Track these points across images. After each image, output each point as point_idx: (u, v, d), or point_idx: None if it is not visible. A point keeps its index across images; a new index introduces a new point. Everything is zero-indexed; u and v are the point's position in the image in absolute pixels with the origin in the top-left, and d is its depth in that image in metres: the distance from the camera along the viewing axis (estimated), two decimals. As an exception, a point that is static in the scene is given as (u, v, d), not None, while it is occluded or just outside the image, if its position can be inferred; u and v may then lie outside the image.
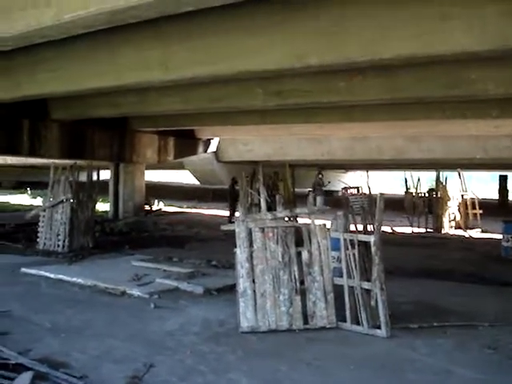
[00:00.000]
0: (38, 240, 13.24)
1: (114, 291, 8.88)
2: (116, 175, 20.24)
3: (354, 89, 10.42)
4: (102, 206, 22.04)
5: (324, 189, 27.37)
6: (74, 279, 9.54)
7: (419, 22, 7.01)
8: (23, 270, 10.29)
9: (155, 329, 6.97)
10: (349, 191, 27.36)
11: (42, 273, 10.04)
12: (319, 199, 23.05)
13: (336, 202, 21.75)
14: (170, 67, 9.14)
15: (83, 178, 13.72)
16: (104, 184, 18.06)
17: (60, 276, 9.77)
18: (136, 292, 8.76)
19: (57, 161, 14.53)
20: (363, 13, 7.27)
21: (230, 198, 20.52)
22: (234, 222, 7.61)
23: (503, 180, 35.60)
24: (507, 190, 35.66)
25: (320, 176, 27.60)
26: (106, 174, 21.95)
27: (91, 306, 8.12)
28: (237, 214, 19.67)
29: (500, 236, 14.09)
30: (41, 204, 16.67)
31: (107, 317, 7.48)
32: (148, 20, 7.79)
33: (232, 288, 8.08)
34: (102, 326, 7.08)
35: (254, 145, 25.86)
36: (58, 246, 12.89)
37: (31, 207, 19.64)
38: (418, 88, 10.11)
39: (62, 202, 13.04)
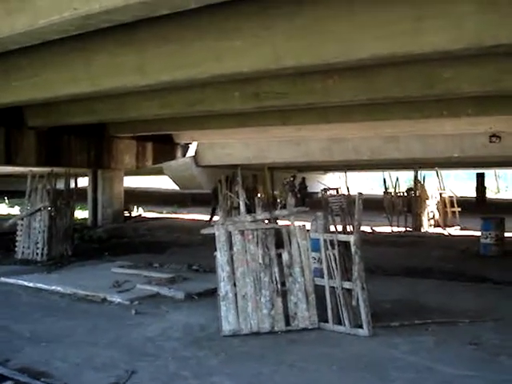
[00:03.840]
0: (16, 249, 13.08)
1: (94, 298, 8.81)
2: (94, 182, 20.12)
3: (331, 90, 10.46)
4: (81, 214, 21.88)
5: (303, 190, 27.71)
6: (54, 287, 9.44)
7: (396, 21, 7.05)
8: (1, 279, 10.17)
9: (136, 335, 6.92)
10: (328, 192, 27.45)
11: (21, 282, 9.92)
12: (291, 200, 23.08)
13: (316, 203, 21.77)
14: (147, 72, 9.11)
15: (61, 185, 13.60)
16: (82, 191, 17.94)
17: (39, 285, 9.67)
18: (116, 299, 8.69)
19: (34, 169, 14.38)
20: (338, 13, 7.30)
21: (213, 202, 20.51)
22: (213, 225, 7.58)
23: (480, 178, 35.94)
24: (484, 188, 36.01)
25: (291, 179, 28.00)
26: (84, 181, 21.84)
27: (71, 313, 8.04)
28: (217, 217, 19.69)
29: (478, 233, 14.20)
30: (18, 213, 16.49)
31: (88, 324, 7.41)
32: (123, 24, 7.75)
33: (213, 292, 8.04)
34: (83, 334, 7.01)
35: (233, 148, 25.85)
36: (37, 254, 12.74)
37: (9, 216, 19.44)
38: (395, 88, 10.17)
39: (39, 210, 12.91)
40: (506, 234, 13.99)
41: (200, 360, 6.03)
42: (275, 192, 25.31)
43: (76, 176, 14.04)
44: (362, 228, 7.35)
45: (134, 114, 14.25)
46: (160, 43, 8.64)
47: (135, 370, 5.63)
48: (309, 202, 24.88)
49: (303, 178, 30.76)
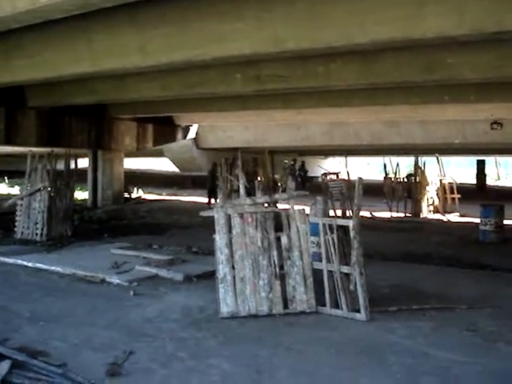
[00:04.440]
0: (15, 229, 13.09)
1: (93, 279, 8.83)
2: (94, 163, 20.10)
3: (332, 74, 10.42)
4: (81, 195, 21.87)
5: (302, 174, 27.84)
6: (53, 268, 9.46)
7: (396, 6, 7.01)
8: (1, 259, 10.19)
9: (135, 316, 6.94)
10: (328, 177, 27.52)
11: (20, 262, 9.95)
12: (292, 184, 23.20)
13: (316, 187, 21.78)
14: (148, 52, 9.06)
15: (61, 166, 13.58)
16: (82, 172, 17.93)
17: (38, 265, 9.69)
18: (115, 280, 8.71)
19: (34, 149, 14.35)
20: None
21: (209, 183, 20.57)
22: (213, 208, 7.59)
23: (481, 165, 35.93)
24: (485, 175, 36.01)
25: (292, 163, 28.16)
26: (84, 162, 21.81)
27: (70, 294, 8.07)
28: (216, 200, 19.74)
29: (478, 220, 14.21)
30: (18, 192, 16.50)
31: (86, 305, 7.44)
32: (124, 4, 7.71)
33: (212, 274, 8.06)
34: (81, 314, 7.04)
35: (234, 131, 25.81)
36: (36, 234, 12.77)
37: (9, 196, 19.44)
38: (397, 73, 10.12)
39: (39, 190, 12.91)
40: (506, 222, 14.00)
41: (198, 341, 6.06)
42: (275, 176, 25.30)
43: (76, 157, 14.01)
44: (362, 213, 7.35)
45: (135, 96, 14.21)
46: (160, 24, 8.59)
47: (133, 351, 5.66)
48: (309, 186, 24.86)
49: (303, 162, 30.80)
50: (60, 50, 10.02)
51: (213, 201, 20.40)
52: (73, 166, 13.79)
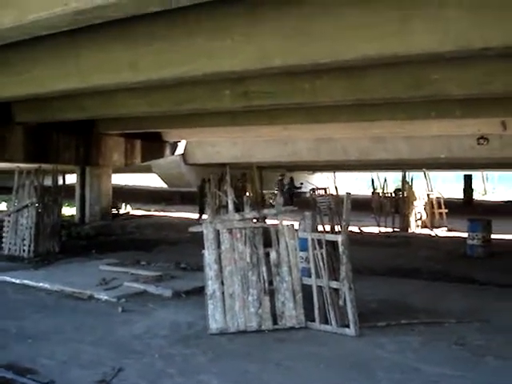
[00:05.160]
0: (2, 245, 13.01)
1: (81, 296, 8.79)
2: (82, 179, 20.01)
3: (319, 90, 10.46)
4: (69, 211, 21.78)
5: (292, 190, 27.96)
6: (41, 284, 9.41)
7: (383, 23, 7.06)
8: (-12, 275, 10.12)
9: (123, 332, 6.92)
10: (316, 192, 27.58)
11: (7, 278, 9.89)
12: (280, 200, 23.35)
13: (304, 202, 21.82)
14: (138, 69, 9.07)
15: (49, 182, 13.54)
16: (70, 188, 17.85)
17: (26, 281, 9.63)
18: (103, 296, 8.68)
19: (21, 165, 14.32)
20: (327, 14, 7.30)
21: (199, 199, 20.64)
22: (199, 224, 7.59)
23: (468, 179, 36.12)
24: (472, 190, 36.20)
25: (280, 178, 28.32)
26: (72, 178, 21.73)
27: (58, 310, 8.03)
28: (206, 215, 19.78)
29: (465, 234, 14.28)
30: (5, 209, 16.41)
31: (74, 321, 7.40)
32: (115, 21, 7.73)
33: (201, 290, 8.05)
34: (69, 331, 7.00)
35: (222, 147, 25.85)
36: (24, 250, 12.68)
37: (-5, 212, 19.31)
38: (383, 89, 10.19)
39: (27, 206, 12.85)
40: (493, 236, 14.08)
41: (187, 358, 6.04)
42: (264, 191, 25.33)
43: (64, 173, 13.98)
44: (350, 228, 7.38)
45: (123, 112, 14.19)
46: (151, 41, 8.59)
47: (122, 368, 5.64)
48: (296, 201, 24.94)
49: (291, 178, 30.90)
50: (48, 66, 9.99)
51: (203, 216, 20.46)
52: (60, 181, 13.75)
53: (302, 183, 30.12)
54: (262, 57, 7.96)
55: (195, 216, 20.95)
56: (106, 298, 8.62)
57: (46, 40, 8.72)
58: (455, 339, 6.70)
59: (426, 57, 7.85)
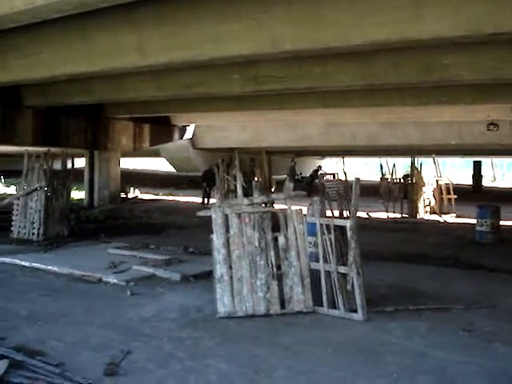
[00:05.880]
0: (12, 228, 13.08)
1: (90, 279, 8.83)
2: (91, 163, 20.07)
3: (329, 74, 10.43)
4: (78, 194, 21.86)
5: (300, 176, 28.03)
6: (50, 267, 9.46)
7: (393, 8, 7.01)
8: (-3, 258, 10.18)
9: (132, 316, 6.95)
10: (325, 177, 27.55)
11: (17, 261, 9.94)
12: (290, 185, 23.50)
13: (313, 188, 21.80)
14: (145, 52, 9.06)
15: (58, 165, 13.57)
16: (79, 172, 17.91)
17: (35, 264, 9.68)
18: (112, 279, 8.72)
19: (30, 148, 14.34)
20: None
21: (202, 185, 20.94)
22: (208, 208, 7.60)
23: (477, 165, 35.98)
24: (481, 176, 36.07)
25: (293, 164, 28.37)
26: (81, 162, 21.78)
27: (67, 293, 8.07)
28: (211, 200, 19.99)
29: (474, 221, 14.25)
30: (15, 192, 16.49)
31: (83, 304, 7.44)
32: (122, 4, 7.71)
33: (209, 274, 8.08)
34: (79, 314, 7.04)
35: (231, 131, 25.81)
36: (33, 234, 12.76)
37: (5, 196, 19.42)
38: (393, 74, 10.13)
39: (36, 189, 12.90)
40: (502, 222, 14.04)
41: (195, 341, 6.06)
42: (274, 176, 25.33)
43: (73, 156, 13.99)
44: (358, 213, 7.37)
45: (132, 95, 14.19)
46: (158, 24, 8.58)
47: (130, 350, 5.66)
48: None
49: (293, 162, 30.65)
50: (56, 49, 9.99)
51: (206, 201, 20.62)
52: (69, 165, 13.78)
53: (319, 166, 29.99)
54: (272, 41, 7.93)
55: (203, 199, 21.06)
56: (114, 281, 8.66)
57: (55, 24, 8.74)
58: (463, 325, 6.70)
59: (436, 42, 7.80)
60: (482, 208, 14.11)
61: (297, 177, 28.91)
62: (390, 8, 7.01)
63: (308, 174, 29.90)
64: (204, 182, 21.53)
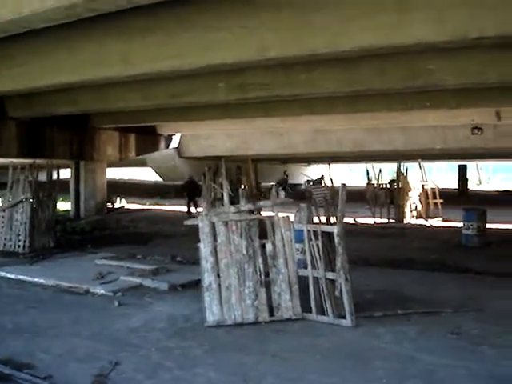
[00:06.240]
0: (-3, 241, 12.98)
1: (77, 290, 8.78)
2: (77, 173, 19.95)
3: (315, 81, 10.45)
4: (64, 206, 21.73)
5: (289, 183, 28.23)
6: (36, 279, 9.39)
7: (379, 13, 7.05)
8: (-17, 271, 10.09)
9: (120, 326, 6.91)
10: (311, 184, 27.63)
11: (3, 274, 9.87)
12: (282, 193, 23.69)
13: (299, 194, 21.86)
14: (132, 62, 9.04)
15: (43, 177, 13.50)
16: (65, 183, 17.81)
17: (21, 276, 9.61)
18: (100, 290, 8.67)
19: (15, 160, 14.27)
20: (325, 5, 7.28)
21: (187, 194, 20.96)
22: (195, 217, 7.59)
23: (462, 169, 36.15)
24: (467, 179, 36.25)
25: (285, 176, 28.69)
26: (66, 173, 21.66)
27: (54, 305, 8.02)
28: (194, 209, 20.01)
29: (460, 224, 14.31)
30: (0, 204, 16.35)
31: (71, 316, 7.39)
32: (109, 14, 7.70)
33: (197, 283, 8.05)
34: (66, 326, 6.99)
35: (217, 140, 25.78)
36: (19, 246, 12.66)
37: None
38: (379, 80, 10.17)
39: (21, 201, 12.81)
40: (488, 226, 14.11)
41: (184, 351, 6.04)
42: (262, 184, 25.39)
43: (58, 167, 13.91)
44: (345, 219, 7.38)
45: (118, 105, 14.13)
46: (145, 34, 8.56)
47: (119, 361, 5.64)
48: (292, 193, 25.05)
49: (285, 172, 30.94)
50: (41, 60, 9.94)
51: (192, 210, 20.62)
52: (55, 176, 13.70)
53: (323, 176, 30.03)
54: (261, 48, 7.94)
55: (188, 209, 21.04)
56: (102, 292, 8.61)
57: (41, 34, 8.70)
58: (451, 328, 6.73)
59: (421, 47, 7.84)
60: (468, 211, 14.18)
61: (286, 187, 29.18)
62: (376, 13, 7.05)
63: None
64: (185, 192, 21.59)
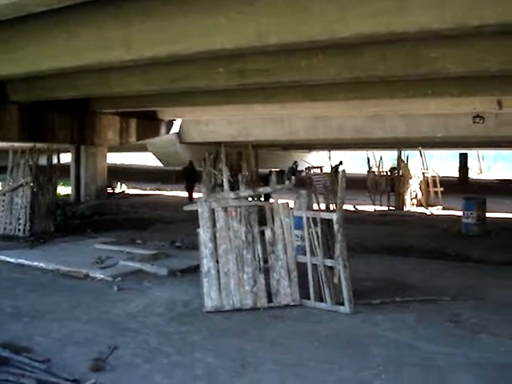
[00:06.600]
0: (-3, 225, 12.99)
1: (76, 274, 8.79)
2: (77, 158, 19.93)
3: (315, 68, 10.40)
4: (64, 190, 21.74)
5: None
6: (36, 263, 9.40)
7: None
8: (-17, 255, 10.10)
9: (118, 311, 6.92)
10: (312, 171, 27.62)
11: (3, 257, 9.87)
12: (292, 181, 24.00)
13: (300, 181, 21.83)
14: (132, 47, 9.01)
15: (43, 161, 13.48)
16: (65, 167, 17.81)
17: (21, 260, 9.62)
18: (99, 275, 8.68)
19: (16, 144, 14.25)
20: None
21: (186, 179, 21.02)
22: (195, 202, 7.59)
23: (463, 158, 36.14)
24: (467, 168, 36.26)
25: (295, 166, 28.85)
26: (67, 157, 21.66)
27: (54, 289, 8.03)
28: (196, 194, 20.03)
29: (460, 213, 14.32)
30: (0, 188, 16.36)
31: (70, 300, 7.40)
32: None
33: (196, 269, 8.07)
34: (65, 310, 7.00)
35: (217, 125, 25.75)
36: (19, 230, 12.66)
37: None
38: (380, 67, 10.13)
39: (21, 185, 12.80)
40: (488, 214, 14.12)
41: (182, 336, 6.05)
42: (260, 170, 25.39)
43: (59, 152, 13.90)
44: (345, 207, 7.38)
45: (118, 90, 14.10)
46: (144, 18, 8.54)
47: (117, 346, 5.64)
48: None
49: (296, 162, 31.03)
50: (41, 44, 9.92)
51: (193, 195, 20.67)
52: (55, 161, 13.69)
53: (341, 162, 29.92)
54: (258, 34, 7.92)
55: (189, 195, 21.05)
56: (101, 276, 8.62)
57: (39, 18, 8.67)
58: (450, 317, 6.74)
59: (422, 34, 7.81)
60: (469, 200, 14.18)
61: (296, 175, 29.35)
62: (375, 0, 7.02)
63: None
64: (183, 178, 21.67)
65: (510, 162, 47.72)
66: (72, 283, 8.41)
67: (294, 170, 30.25)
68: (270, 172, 26.39)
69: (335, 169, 28.56)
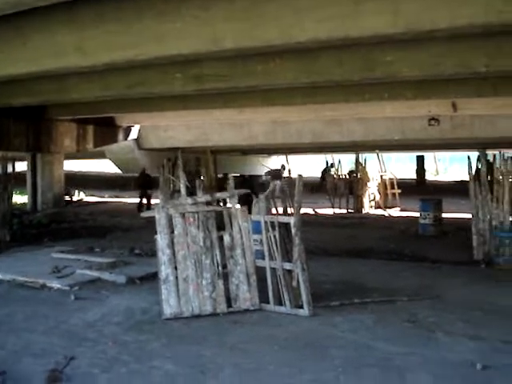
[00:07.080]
0: (-49, 235, 12.69)
1: (33, 285, 8.64)
2: (33, 166, 19.58)
3: (272, 72, 10.43)
4: (21, 199, 21.38)
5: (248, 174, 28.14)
6: (-9, 274, 9.21)
7: (334, 4, 7.07)
8: None
9: (76, 321, 6.82)
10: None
11: (-44, 269, 9.65)
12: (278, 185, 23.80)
13: (259, 185, 21.86)
14: (87, 52, 8.90)
15: (-2, 169, 13.23)
16: (21, 175, 17.51)
17: (-25, 271, 9.42)
18: (56, 284, 8.55)
19: (-31, 153, 13.94)
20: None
21: (140, 186, 20.83)
22: (149, 209, 7.54)
23: (420, 160, 36.70)
24: (424, 170, 36.82)
25: (282, 169, 28.77)
26: (23, 165, 21.28)
27: (9, 300, 7.88)
28: (147, 202, 19.88)
29: (417, 214, 14.53)
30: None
31: (26, 311, 7.26)
32: (62, 3, 7.57)
33: (155, 276, 7.98)
34: (21, 321, 6.87)
35: (176, 131, 25.59)
36: (-27, 240, 12.40)
37: None
38: (337, 71, 10.19)
39: (-25, 194, 12.55)
40: (444, 215, 14.36)
41: (141, 344, 6.00)
42: (219, 175, 25.34)
43: (14, 160, 13.66)
44: (305, 210, 7.42)
45: (75, 96, 13.89)
46: (99, 24, 8.43)
47: (75, 356, 5.56)
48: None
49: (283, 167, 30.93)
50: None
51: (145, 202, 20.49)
52: (10, 169, 13.44)
53: (283, 166, 29.89)
54: (213, 39, 7.90)
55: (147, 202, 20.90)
56: (58, 286, 8.49)
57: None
58: (407, 317, 6.83)
59: (377, 39, 7.89)
60: (425, 201, 14.41)
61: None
62: (331, 4, 7.06)
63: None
64: (139, 185, 21.49)
65: (465, 163, 48.43)
66: (28, 293, 8.26)
67: (279, 175, 29.87)
68: (225, 176, 26.37)
69: (278, 172, 28.78)
